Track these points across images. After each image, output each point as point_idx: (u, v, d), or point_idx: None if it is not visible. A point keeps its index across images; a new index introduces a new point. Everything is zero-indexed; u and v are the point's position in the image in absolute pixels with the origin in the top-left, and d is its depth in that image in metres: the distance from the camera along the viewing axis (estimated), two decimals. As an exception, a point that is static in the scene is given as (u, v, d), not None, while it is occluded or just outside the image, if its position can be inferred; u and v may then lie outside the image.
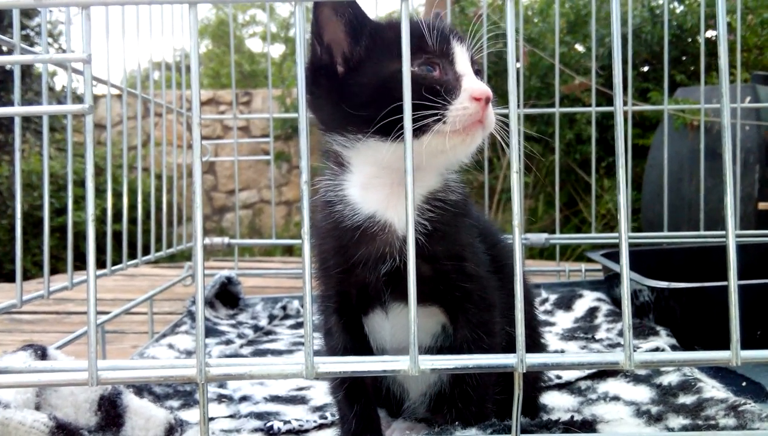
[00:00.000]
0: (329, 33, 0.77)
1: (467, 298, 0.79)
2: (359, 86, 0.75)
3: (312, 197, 0.84)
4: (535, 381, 0.95)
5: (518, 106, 0.68)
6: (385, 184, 0.79)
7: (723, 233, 0.66)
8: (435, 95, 0.72)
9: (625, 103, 2.00)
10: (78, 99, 3.19)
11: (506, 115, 0.70)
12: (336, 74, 0.77)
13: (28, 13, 4.15)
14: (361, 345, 0.84)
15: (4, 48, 1.08)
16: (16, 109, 0.78)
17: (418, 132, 0.71)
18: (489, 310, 0.81)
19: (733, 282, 0.66)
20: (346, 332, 0.84)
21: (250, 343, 1.52)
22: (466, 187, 0.86)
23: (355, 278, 0.80)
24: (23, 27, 4.64)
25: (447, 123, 0.72)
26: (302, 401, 1.09)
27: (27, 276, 3.72)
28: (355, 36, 0.76)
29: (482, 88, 0.74)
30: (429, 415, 0.92)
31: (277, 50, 8.55)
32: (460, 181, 0.84)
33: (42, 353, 0.84)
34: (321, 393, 1.11)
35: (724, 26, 0.67)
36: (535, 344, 0.92)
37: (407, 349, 0.68)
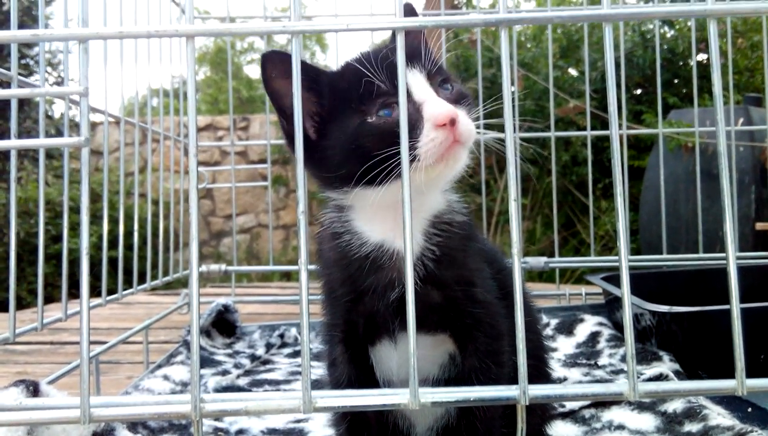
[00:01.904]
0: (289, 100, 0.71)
1: (477, 326, 0.78)
2: (331, 149, 0.76)
3: (318, 231, 0.84)
4: (544, 412, 0.93)
5: (514, 130, 0.68)
6: (389, 215, 0.78)
7: (723, 254, 0.66)
8: (399, 138, 0.66)
9: (619, 127, 2.02)
10: (76, 127, 3.20)
11: (503, 141, 0.69)
12: (309, 139, 0.77)
13: (28, 43, 4.19)
14: (366, 377, 0.82)
15: (4, 79, 1.08)
16: (12, 143, 0.78)
17: (398, 176, 0.68)
18: (498, 339, 0.79)
19: (736, 310, 0.65)
20: (352, 364, 0.82)
21: (247, 373, 1.49)
22: (469, 207, 0.85)
23: (363, 306, 0.79)
24: (23, 56, 4.68)
25: (421, 160, 0.71)
26: (300, 434, 1.07)
27: (22, 304, 3.68)
28: (317, 93, 0.76)
29: (444, 112, 0.71)
30: (435, 449, 0.89)
31: (274, 76, 8.62)
32: (462, 201, 0.83)
33: (34, 389, 0.82)
34: (320, 426, 1.08)
35: (716, 55, 0.68)
36: (540, 374, 0.90)
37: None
